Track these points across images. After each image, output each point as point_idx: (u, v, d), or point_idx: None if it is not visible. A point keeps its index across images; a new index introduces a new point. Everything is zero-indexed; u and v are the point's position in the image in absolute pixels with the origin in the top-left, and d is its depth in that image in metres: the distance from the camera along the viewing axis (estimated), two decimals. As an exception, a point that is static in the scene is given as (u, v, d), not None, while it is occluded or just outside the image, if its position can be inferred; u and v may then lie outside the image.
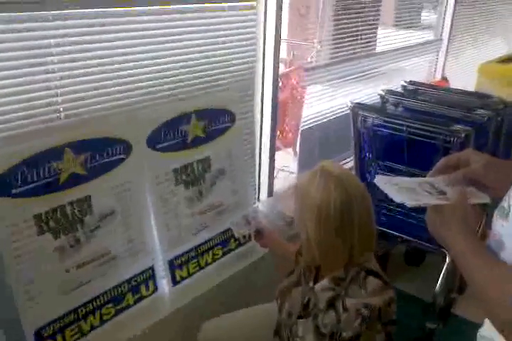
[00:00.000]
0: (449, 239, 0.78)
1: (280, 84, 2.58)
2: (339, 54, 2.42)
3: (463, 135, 1.55)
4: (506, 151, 1.96)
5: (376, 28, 2.72)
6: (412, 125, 1.69)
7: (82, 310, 1.36)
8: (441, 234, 0.79)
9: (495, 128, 1.82)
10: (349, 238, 1.12)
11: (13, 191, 1.15)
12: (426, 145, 1.67)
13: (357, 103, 1.83)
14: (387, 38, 2.81)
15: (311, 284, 1.22)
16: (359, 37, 2.48)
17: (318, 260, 1.16)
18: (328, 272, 1.18)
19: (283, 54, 3.19)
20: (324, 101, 2.46)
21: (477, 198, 0.86)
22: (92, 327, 1.40)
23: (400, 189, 0.86)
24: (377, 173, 1.90)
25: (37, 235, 1.22)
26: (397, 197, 0.83)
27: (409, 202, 0.81)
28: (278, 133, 2.58)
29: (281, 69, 2.88)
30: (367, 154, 1.93)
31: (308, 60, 2.49)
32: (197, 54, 1.58)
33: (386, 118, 1.78)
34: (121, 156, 1.39)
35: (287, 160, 2.94)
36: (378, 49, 2.71)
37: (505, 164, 0.87)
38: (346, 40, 2.42)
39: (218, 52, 1.65)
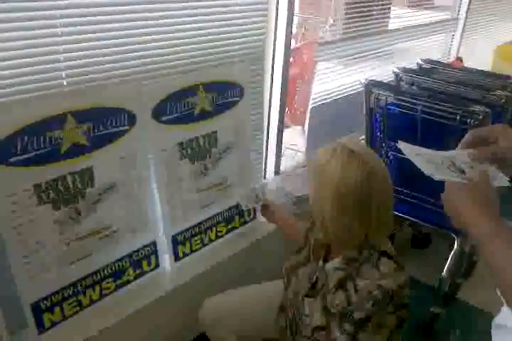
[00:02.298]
0: (471, 220, 0.73)
1: (291, 59, 2.51)
2: (352, 29, 2.34)
3: (481, 116, 1.49)
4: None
5: (389, 5, 2.63)
6: (427, 104, 1.62)
7: (81, 284, 1.34)
8: (463, 213, 0.75)
9: (513, 109, 1.75)
10: (366, 218, 1.07)
11: (12, 159, 1.11)
12: (441, 126, 1.60)
13: (371, 80, 1.76)
14: (401, 17, 2.73)
15: (320, 263, 1.19)
16: (373, 13, 2.39)
17: (332, 237, 1.12)
18: (340, 251, 1.14)
19: (294, 28, 3.11)
20: (336, 79, 2.39)
21: (497, 180, 0.81)
22: (92, 301, 1.38)
23: (424, 160, 0.82)
24: (389, 153, 1.84)
25: (36, 205, 1.19)
26: (426, 169, 0.79)
27: (438, 176, 0.78)
28: (287, 109, 2.52)
29: (292, 44, 2.80)
30: (378, 133, 1.86)
31: (321, 34, 2.40)
32: (206, 23, 1.51)
33: (400, 97, 1.70)
34: (125, 127, 1.34)
35: (295, 138, 2.89)
36: (393, 27, 2.62)
37: None
38: (360, 15, 2.33)
39: (228, 22, 1.58)
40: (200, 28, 1.50)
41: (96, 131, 1.27)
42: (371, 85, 1.75)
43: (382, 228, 1.10)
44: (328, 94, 2.36)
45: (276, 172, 2.09)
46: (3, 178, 1.10)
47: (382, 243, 1.12)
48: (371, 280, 1.05)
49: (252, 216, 1.84)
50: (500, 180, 0.81)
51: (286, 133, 2.16)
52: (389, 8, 2.66)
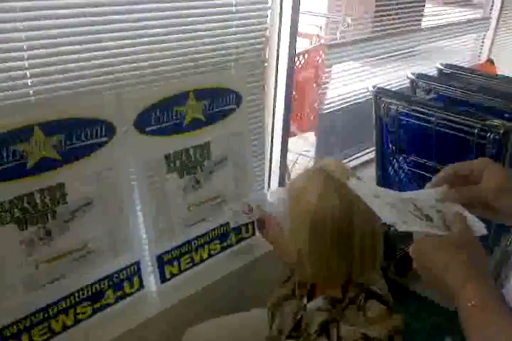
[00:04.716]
0: (451, 284, 0.58)
1: (302, 62, 2.37)
2: (370, 29, 2.18)
3: (501, 131, 1.31)
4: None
5: (423, 2, 2.45)
6: (443, 116, 1.45)
7: (52, 309, 1.23)
8: (438, 276, 0.59)
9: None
10: (348, 252, 0.93)
11: (-32, 177, 1.01)
12: (458, 140, 1.43)
13: (379, 88, 1.60)
14: (428, 15, 2.54)
15: (304, 301, 1.05)
16: (394, 12, 2.22)
17: (311, 277, 0.99)
18: (324, 289, 1.00)
19: (310, 29, 2.96)
20: (351, 83, 2.23)
21: (476, 229, 0.64)
22: (65, 327, 1.28)
23: (383, 204, 0.65)
24: (402, 168, 1.68)
25: (0, 226, 1.09)
26: (385, 215, 0.63)
27: (400, 225, 0.61)
28: (298, 115, 2.39)
29: (307, 45, 2.66)
30: (390, 146, 1.70)
31: (337, 35, 2.25)
32: (200, 25, 1.39)
33: (413, 107, 1.54)
34: (103, 139, 1.23)
35: (307, 146, 2.75)
36: (415, 26, 2.44)
37: None
38: (379, 14, 2.17)
39: (226, 23, 1.45)
40: (193, 30, 1.37)
41: (68, 143, 1.16)
42: (380, 93, 1.59)
43: (367, 264, 0.96)
44: (342, 100, 2.21)
45: (281, 183, 1.95)
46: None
47: (372, 280, 0.97)
48: (356, 327, 0.90)
49: (250, 232, 1.71)
50: (479, 228, 0.64)
51: (298, 139, 2.04)
52: (416, 7, 2.48)
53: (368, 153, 2.27)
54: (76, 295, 1.28)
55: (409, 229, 0.61)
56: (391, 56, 2.31)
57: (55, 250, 1.20)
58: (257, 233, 1.72)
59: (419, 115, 1.51)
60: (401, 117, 1.58)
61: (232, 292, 1.61)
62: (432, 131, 1.48)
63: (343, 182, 0.91)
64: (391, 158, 1.71)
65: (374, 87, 1.60)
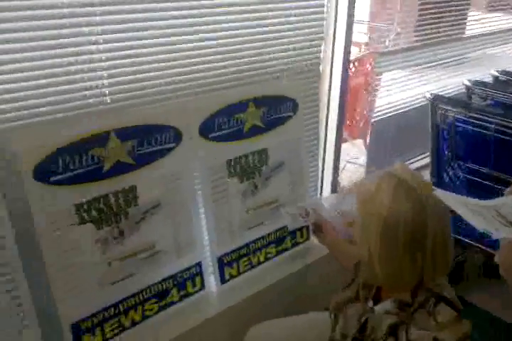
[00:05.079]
0: None
1: (353, 69, 2.40)
2: (420, 38, 2.18)
3: None
4: None
5: (466, 10, 2.44)
6: (502, 123, 1.45)
7: (123, 305, 1.30)
8: None
9: None
10: (419, 258, 0.94)
11: (53, 178, 1.09)
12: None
13: (437, 95, 1.61)
14: (478, 21, 2.52)
15: (370, 304, 1.07)
16: (444, 20, 2.22)
17: (381, 280, 1.00)
18: (391, 293, 1.01)
19: (357, 37, 2.98)
20: (401, 90, 2.24)
21: None
22: (134, 323, 1.34)
23: (471, 212, 0.67)
24: (457, 175, 1.68)
25: (77, 225, 1.17)
26: (479, 224, 0.65)
27: (494, 232, 0.63)
28: (347, 122, 2.41)
29: (355, 53, 2.68)
30: (445, 152, 1.70)
31: (386, 43, 2.27)
32: (259, 36, 1.45)
33: (471, 114, 1.54)
34: (171, 145, 1.30)
35: (356, 152, 2.76)
36: (467, 33, 2.43)
37: None
38: (429, 22, 2.17)
39: (282, 33, 1.50)
40: (251, 41, 1.44)
41: (140, 148, 1.23)
42: (437, 100, 1.60)
43: (439, 268, 0.96)
44: (392, 107, 2.22)
45: (333, 189, 1.98)
46: (44, 197, 1.09)
47: (441, 285, 0.98)
48: (426, 331, 0.91)
49: (305, 237, 1.75)
50: None
51: (348, 146, 2.06)
52: (464, 14, 2.47)
53: (419, 159, 2.27)
54: (144, 292, 1.34)
55: (503, 236, 0.63)
56: (442, 64, 2.31)
57: (127, 249, 1.27)
58: (312, 238, 1.75)
59: (476, 122, 1.52)
60: (458, 124, 1.58)
61: (288, 295, 1.64)
62: (490, 138, 1.48)
63: (415, 186, 0.94)
64: (447, 165, 1.71)
65: (431, 94, 1.62)
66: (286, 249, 1.69)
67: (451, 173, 1.70)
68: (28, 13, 1.01)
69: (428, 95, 1.63)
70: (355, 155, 2.68)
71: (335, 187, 1.98)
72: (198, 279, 1.47)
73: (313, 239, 1.72)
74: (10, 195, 1.05)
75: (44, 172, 1.08)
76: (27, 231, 1.09)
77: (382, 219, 0.93)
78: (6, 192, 1.04)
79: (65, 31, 1.07)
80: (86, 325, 1.23)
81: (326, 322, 1.26)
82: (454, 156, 1.68)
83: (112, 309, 1.28)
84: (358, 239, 1.01)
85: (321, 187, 1.95)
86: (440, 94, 1.64)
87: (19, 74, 1.04)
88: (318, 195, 1.95)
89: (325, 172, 1.92)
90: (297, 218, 1.51)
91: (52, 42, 1.06)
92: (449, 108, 1.58)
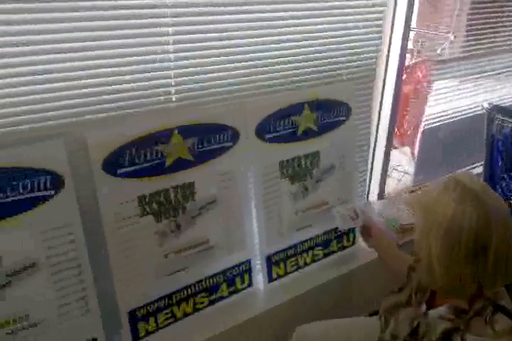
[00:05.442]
0: None
1: (403, 76, 2.39)
2: (476, 47, 2.17)
3: None
4: None
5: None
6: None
7: (176, 296, 1.35)
8: None
9: None
10: (481, 267, 0.93)
11: (119, 171, 1.16)
12: None
13: (494, 105, 1.59)
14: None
15: (423, 308, 1.07)
16: (501, 28, 2.20)
17: (439, 284, 0.99)
18: (446, 299, 1.01)
19: (410, 44, 2.97)
20: (453, 99, 2.23)
21: None
22: (185, 315, 1.39)
23: None
24: (510, 187, 1.65)
25: (139, 216, 1.22)
26: None
27: None
28: (396, 130, 2.40)
29: (407, 60, 2.67)
30: (499, 164, 1.68)
31: (438, 51, 2.26)
32: (317, 40, 1.49)
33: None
34: (228, 144, 1.35)
35: (402, 160, 2.74)
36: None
37: None
38: (485, 31, 2.16)
39: (340, 39, 1.53)
40: (310, 45, 1.47)
41: (200, 146, 1.29)
42: (494, 111, 1.59)
43: (500, 277, 0.95)
44: (443, 116, 2.21)
45: (380, 196, 1.98)
46: (110, 189, 1.15)
47: (499, 294, 0.97)
48: (483, 339, 0.91)
49: (351, 241, 1.76)
50: None
51: (394, 152, 2.05)
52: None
53: (469, 169, 2.24)
54: (196, 285, 1.39)
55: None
56: (495, 74, 2.28)
57: (182, 243, 1.32)
58: (358, 243, 1.76)
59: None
60: (515, 136, 1.57)
61: (333, 298, 1.66)
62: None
63: (479, 193, 0.94)
64: (500, 177, 1.69)
65: (489, 103, 1.60)
66: (332, 252, 1.71)
67: (504, 185, 1.68)
68: (106, 13, 1.08)
69: (485, 105, 1.62)
70: (400, 162, 2.66)
71: (382, 192, 1.98)
72: (246, 276, 1.50)
73: (360, 244, 1.73)
74: (80, 185, 1.12)
75: (112, 165, 1.14)
76: (93, 221, 1.15)
77: (446, 222, 0.93)
78: (76, 183, 1.10)
79: (140, 31, 1.14)
80: (142, 313, 1.29)
81: (373, 326, 1.27)
82: (508, 168, 1.65)
83: (166, 299, 1.33)
84: (418, 243, 1.02)
85: (368, 192, 1.96)
86: (498, 104, 1.62)
87: (98, 70, 1.11)
88: (365, 200, 1.96)
89: (373, 177, 1.92)
90: (347, 219, 1.53)
91: (130, 40, 1.13)
92: (506, 118, 1.56)
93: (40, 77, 1.04)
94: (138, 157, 1.18)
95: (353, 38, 1.56)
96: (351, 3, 1.50)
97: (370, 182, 1.94)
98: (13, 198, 1.02)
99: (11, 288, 1.05)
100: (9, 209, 1.02)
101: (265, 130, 1.42)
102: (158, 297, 1.31)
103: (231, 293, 1.48)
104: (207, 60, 1.27)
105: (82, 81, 1.10)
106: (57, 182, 1.06)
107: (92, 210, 1.15)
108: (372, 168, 1.92)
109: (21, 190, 1.02)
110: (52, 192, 1.07)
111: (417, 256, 1.04)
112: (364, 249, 1.68)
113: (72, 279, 1.14)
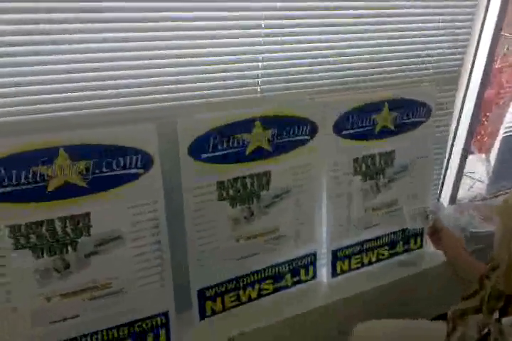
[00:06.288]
0: None
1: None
2: None
3: None
4: None
5: None
6: None
7: (243, 281, 1.40)
8: None
9: None
10: None
11: (203, 155, 1.21)
12: None
13: None
14: None
15: (495, 315, 1.05)
16: None
17: None
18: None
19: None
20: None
21: None
22: (250, 299, 1.44)
23: None
24: None
25: (216, 201, 1.28)
26: None
27: None
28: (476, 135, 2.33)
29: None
30: None
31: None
32: (403, 39, 1.48)
33: None
34: (306, 137, 1.38)
35: (476, 167, 2.65)
36: None
37: None
38: None
39: (427, 39, 1.52)
40: (396, 44, 1.47)
41: (279, 137, 1.32)
42: None
43: None
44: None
45: (452, 201, 1.94)
46: (193, 172, 1.21)
47: None
48: None
49: (419, 244, 1.74)
50: None
51: (468, 159, 2.00)
52: None
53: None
54: (262, 272, 1.43)
55: None
56: None
57: (254, 229, 1.37)
58: (425, 246, 1.74)
59: None
60: None
61: (396, 298, 1.65)
62: None
63: None
64: None
65: None
66: (398, 253, 1.70)
67: None
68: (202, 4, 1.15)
69: None
70: (474, 169, 2.58)
71: (454, 198, 1.94)
72: (311, 268, 1.53)
73: (428, 248, 1.71)
74: (166, 166, 1.19)
75: (197, 149, 1.20)
76: (174, 201, 1.22)
77: None
78: (163, 164, 1.17)
79: (233, 22, 1.19)
80: (210, 293, 1.35)
81: (438, 330, 1.25)
82: None
83: (234, 282, 1.39)
84: (497, 250, 1.01)
85: (439, 196, 1.93)
86: None
87: (192, 59, 1.18)
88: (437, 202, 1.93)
89: (446, 181, 1.89)
90: (417, 219, 1.52)
91: (223, 31, 1.19)
92: None
93: (140, 62, 1.12)
94: (221, 143, 1.23)
95: (440, 38, 1.54)
96: (441, 3, 1.48)
97: (442, 186, 1.90)
98: (107, 174, 1.10)
99: (97, 256, 1.14)
100: (103, 184, 1.10)
101: (343, 126, 1.44)
102: (226, 279, 1.37)
103: (295, 283, 1.51)
104: (293, 53, 1.30)
105: (177, 68, 1.17)
106: (147, 161, 1.14)
107: (174, 191, 1.21)
108: (446, 172, 1.88)
109: (115, 167, 1.10)
110: (142, 170, 1.14)
111: (495, 262, 1.02)
112: (431, 252, 1.66)
113: (151, 254, 1.21)
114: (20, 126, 1.03)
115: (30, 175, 1.00)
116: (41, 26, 0.99)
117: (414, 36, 1.50)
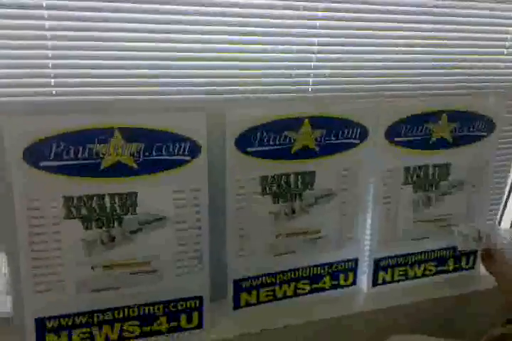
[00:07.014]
0: None
1: None
2: None
3: None
4: None
5: None
6: None
7: (280, 277, 1.42)
8: None
9: None
10: None
11: (249, 149, 1.26)
12: None
13: None
14: None
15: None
16: None
17: None
18: None
19: None
20: None
21: None
22: (285, 296, 1.45)
23: None
24: None
25: (259, 195, 1.32)
26: None
27: None
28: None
29: None
30: None
31: None
32: (471, 48, 1.46)
33: None
34: (355, 141, 1.38)
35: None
36: None
37: None
38: None
39: (496, 49, 1.49)
40: (464, 53, 1.45)
41: (327, 138, 1.34)
42: None
43: None
44: None
45: (514, 225, 1.84)
46: (238, 165, 1.26)
47: None
48: None
49: (471, 264, 1.66)
50: None
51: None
52: None
53: None
54: (300, 271, 1.44)
55: None
56: None
57: (294, 227, 1.39)
58: (477, 268, 1.66)
59: None
60: None
61: (437, 317, 1.58)
62: None
63: None
64: None
65: None
66: (447, 271, 1.63)
67: None
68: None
69: None
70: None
71: (517, 222, 1.84)
72: (351, 274, 1.52)
73: (480, 269, 1.63)
74: (212, 156, 1.25)
75: (243, 142, 1.25)
76: (217, 191, 1.27)
77: None
78: (209, 154, 1.23)
79: (289, 21, 1.25)
80: (245, 285, 1.38)
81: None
82: None
83: (271, 277, 1.41)
84: None
85: (501, 218, 1.83)
86: None
87: (251, 54, 1.26)
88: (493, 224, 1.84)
89: (509, 202, 1.79)
90: (469, 240, 1.46)
91: (277, 29, 1.25)
92: None
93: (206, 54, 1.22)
94: (268, 139, 1.27)
95: (510, 50, 1.50)
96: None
97: (505, 207, 1.81)
98: (156, 157, 1.18)
99: (140, 234, 1.21)
100: (151, 167, 1.18)
101: (396, 133, 1.43)
102: (263, 273, 1.40)
103: (333, 287, 1.50)
104: (349, 55, 1.33)
105: (235, 62, 1.24)
106: (194, 149, 1.21)
107: (218, 181, 1.27)
108: (509, 194, 1.79)
109: (164, 152, 1.18)
110: (188, 158, 1.21)
111: None
112: (483, 275, 1.58)
113: (192, 238, 1.26)
114: (85, 105, 1.15)
115: (86, 152, 1.11)
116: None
117: (485, 46, 1.47)
